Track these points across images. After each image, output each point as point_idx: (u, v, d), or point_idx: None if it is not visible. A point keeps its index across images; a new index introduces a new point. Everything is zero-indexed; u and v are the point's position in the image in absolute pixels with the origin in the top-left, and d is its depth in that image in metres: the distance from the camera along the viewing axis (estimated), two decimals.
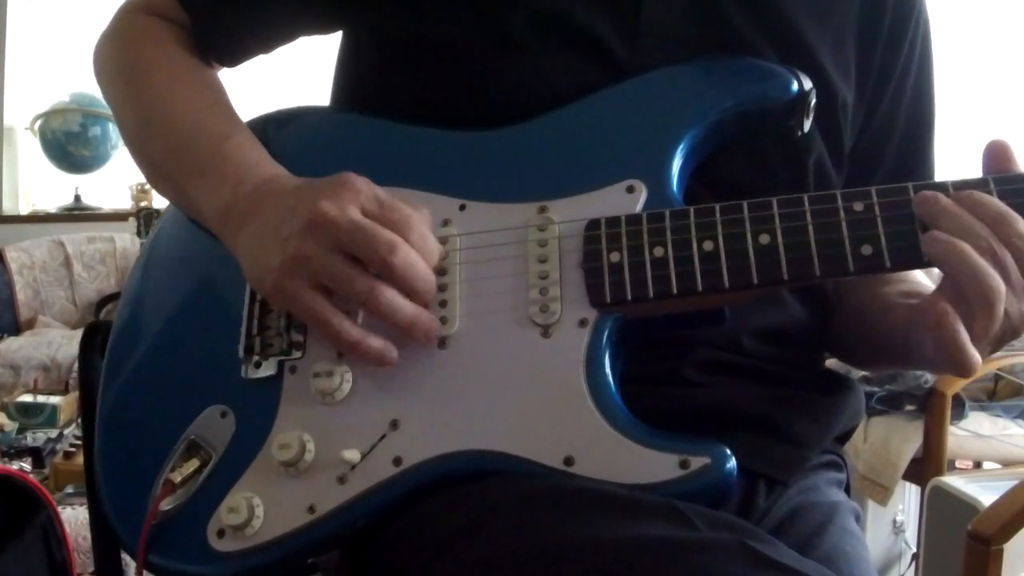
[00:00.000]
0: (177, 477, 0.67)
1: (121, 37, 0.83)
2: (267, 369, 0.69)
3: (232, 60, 0.83)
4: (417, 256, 0.62)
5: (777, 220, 0.61)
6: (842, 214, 0.60)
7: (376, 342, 0.63)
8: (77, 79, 3.91)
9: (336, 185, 0.63)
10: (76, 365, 3.10)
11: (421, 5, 0.73)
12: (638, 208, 0.65)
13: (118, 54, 0.82)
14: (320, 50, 0.88)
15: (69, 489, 2.09)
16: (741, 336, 0.73)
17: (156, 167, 0.78)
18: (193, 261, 0.77)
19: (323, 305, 0.63)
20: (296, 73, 2.79)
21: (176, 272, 0.79)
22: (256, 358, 0.69)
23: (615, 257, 0.63)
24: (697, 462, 0.58)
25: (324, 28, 0.82)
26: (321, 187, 0.64)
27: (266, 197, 0.67)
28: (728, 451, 0.58)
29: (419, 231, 0.63)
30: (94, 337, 0.82)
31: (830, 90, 0.72)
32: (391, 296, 0.62)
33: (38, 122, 4.01)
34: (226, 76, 0.85)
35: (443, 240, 0.67)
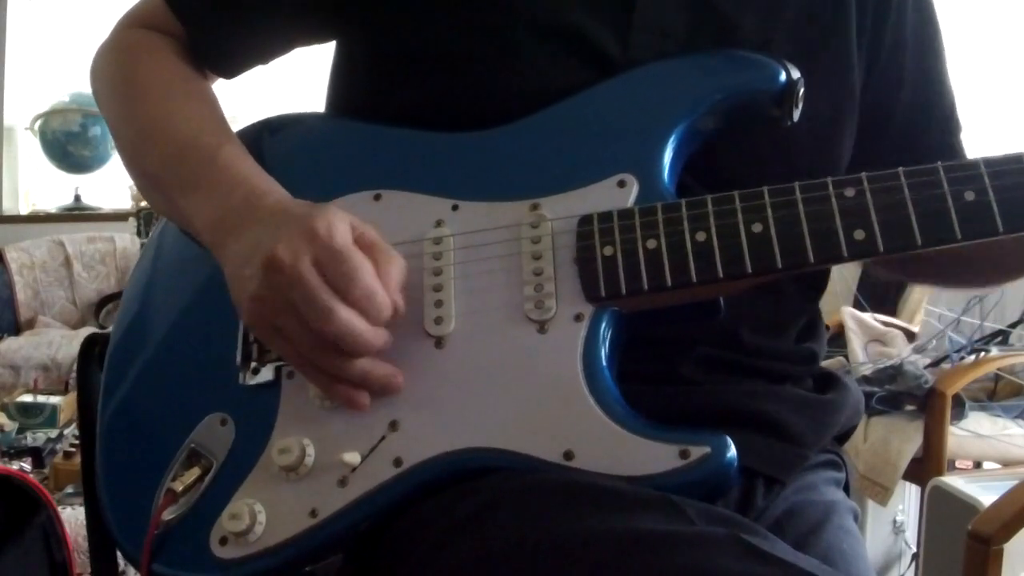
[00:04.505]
0: (179, 486, 0.67)
1: (117, 51, 0.83)
2: (265, 375, 0.69)
3: (229, 72, 0.84)
4: (355, 322, 0.61)
5: (769, 209, 0.61)
6: (834, 200, 0.61)
7: (344, 392, 0.64)
8: (77, 79, 3.91)
9: (299, 225, 0.62)
10: (76, 367, 3.10)
11: (415, 15, 0.73)
12: (630, 202, 0.65)
13: (114, 68, 0.83)
14: (315, 58, 0.88)
15: (69, 489, 2.09)
16: (740, 330, 0.73)
17: (149, 179, 0.78)
18: (189, 270, 0.78)
19: (293, 356, 0.64)
20: (291, 80, 2.79)
21: (173, 281, 0.79)
22: (254, 364, 0.70)
23: (608, 251, 0.63)
24: (697, 452, 0.58)
25: (319, 38, 0.82)
26: (288, 225, 0.63)
27: (249, 218, 0.67)
28: (728, 440, 0.59)
29: (363, 287, 0.61)
30: (92, 349, 0.82)
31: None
32: (334, 359, 0.62)
33: (38, 122, 4.02)
34: (223, 82, 0.85)
35: (436, 240, 0.68)
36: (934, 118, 0.82)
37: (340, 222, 0.62)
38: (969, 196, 0.59)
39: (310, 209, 0.64)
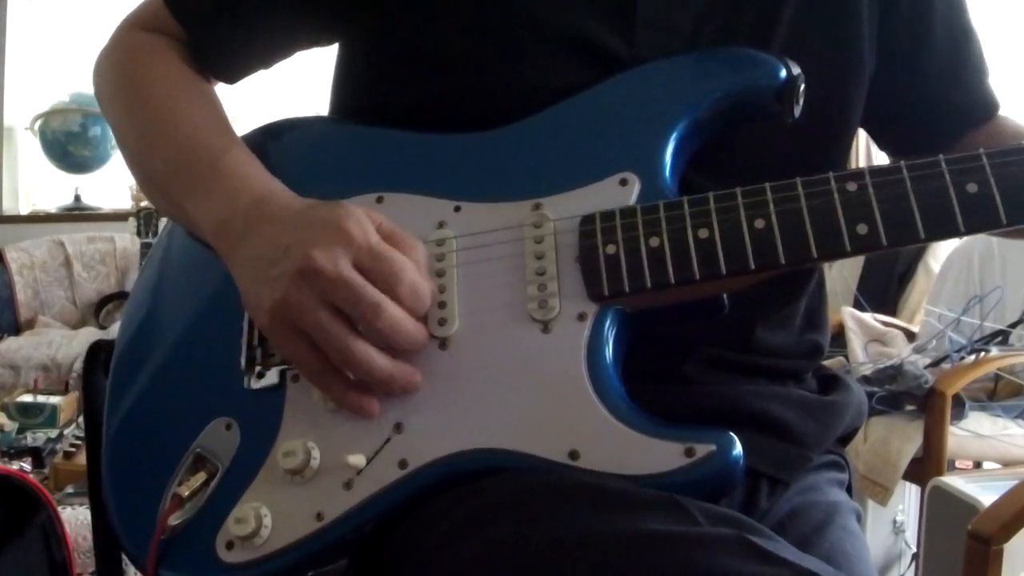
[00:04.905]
0: (185, 491, 0.67)
1: (120, 54, 0.83)
2: (269, 379, 0.69)
3: (231, 76, 0.83)
4: (402, 316, 0.62)
5: (771, 204, 0.61)
6: (836, 195, 0.61)
7: (357, 398, 0.64)
8: (77, 79, 3.91)
9: (331, 228, 0.63)
10: (76, 365, 3.11)
11: (416, 16, 0.73)
12: (632, 200, 0.65)
13: (117, 71, 0.82)
14: (318, 60, 0.88)
15: (69, 489, 2.09)
16: (743, 328, 0.73)
17: (154, 183, 0.78)
18: (194, 275, 0.77)
19: (311, 361, 0.64)
20: (295, 84, 2.79)
21: (178, 286, 0.79)
22: (258, 368, 0.69)
23: (611, 250, 0.63)
24: (702, 450, 0.58)
25: (321, 41, 0.82)
26: (316, 228, 0.63)
27: (261, 220, 0.67)
28: (734, 437, 0.59)
29: (408, 284, 0.62)
30: (98, 355, 0.82)
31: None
32: (368, 357, 0.62)
33: (38, 122, 4.02)
34: (227, 87, 0.85)
35: (439, 242, 0.68)
36: (969, 61, 0.81)
37: (365, 220, 0.63)
38: (972, 188, 0.59)
39: (332, 210, 0.64)
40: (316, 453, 0.65)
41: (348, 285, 0.61)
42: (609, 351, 0.63)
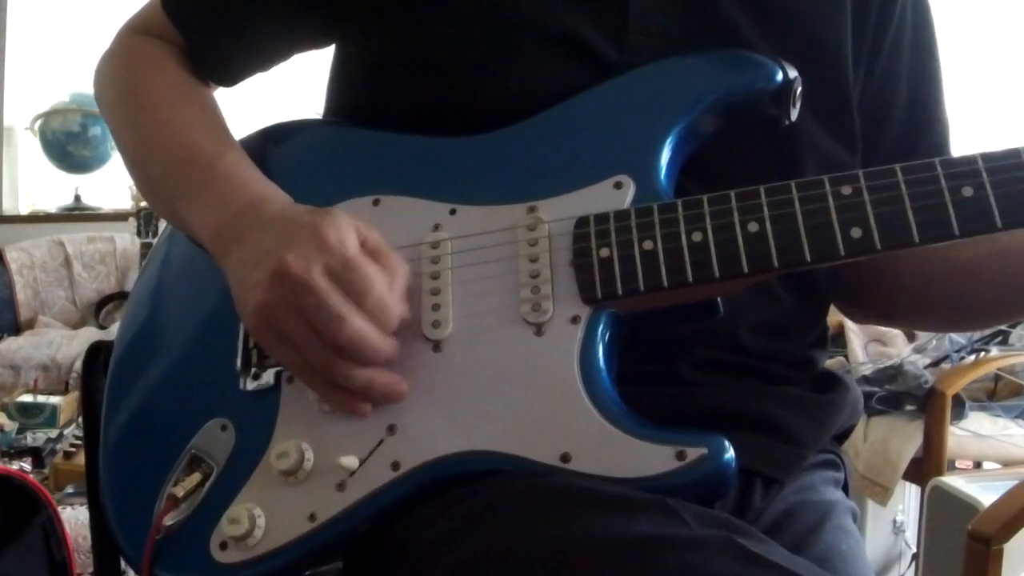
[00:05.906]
0: (180, 491, 0.67)
1: (119, 59, 0.84)
2: (265, 380, 0.69)
3: (229, 81, 0.84)
4: (367, 330, 0.61)
5: (765, 208, 0.61)
6: (830, 199, 0.60)
7: (347, 399, 0.64)
8: (77, 79, 3.91)
9: (309, 233, 0.62)
10: (76, 365, 3.11)
11: (412, 19, 0.73)
12: (626, 203, 0.65)
13: (117, 76, 0.83)
14: (316, 61, 0.89)
15: (69, 489, 2.09)
16: (739, 331, 0.73)
17: (153, 187, 0.79)
18: (193, 276, 0.78)
19: (297, 362, 0.64)
20: (291, 84, 2.79)
21: (177, 288, 0.80)
22: (254, 370, 0.70)
23: (605, 253, 0.63)
24: (694, 453, 0.58)
25: (318, 44, 0.83)
26: (296, 232, 0.63)
27: (251, 225, 0.67)
28: (726, 441, 0.59)
29: (376, 297, 0.62)
30: (97, 356, 0.83)
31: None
32: (342, 367, 0.62)
33: (38, 122, 4.02)
34: (223, 89, 0.86)
35: (434, 244, 0.68)
36: (930, 116, 0.81)
37: (348, 230, 0.63)
38: (967, 192, 0.58)
39: (316, 216, 0.64)
40: (310, 454, 0.65)
41: (315, 292, 0.60)
42: (602, 354, 0.62)
